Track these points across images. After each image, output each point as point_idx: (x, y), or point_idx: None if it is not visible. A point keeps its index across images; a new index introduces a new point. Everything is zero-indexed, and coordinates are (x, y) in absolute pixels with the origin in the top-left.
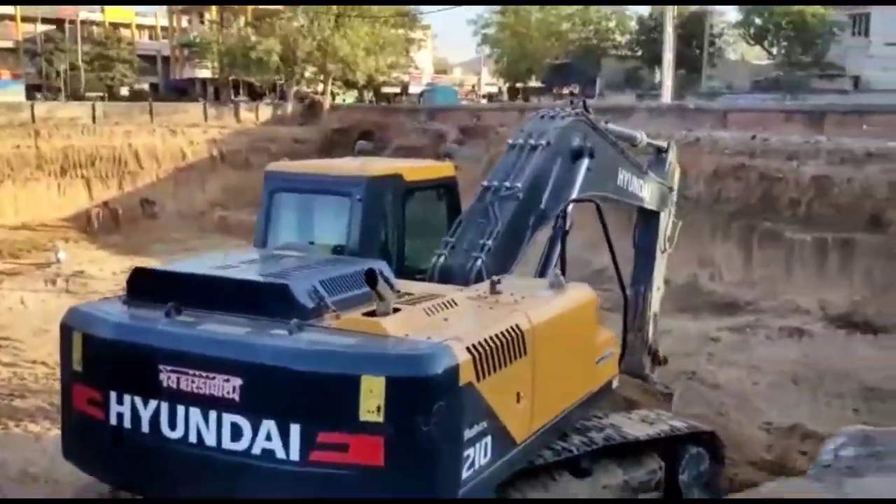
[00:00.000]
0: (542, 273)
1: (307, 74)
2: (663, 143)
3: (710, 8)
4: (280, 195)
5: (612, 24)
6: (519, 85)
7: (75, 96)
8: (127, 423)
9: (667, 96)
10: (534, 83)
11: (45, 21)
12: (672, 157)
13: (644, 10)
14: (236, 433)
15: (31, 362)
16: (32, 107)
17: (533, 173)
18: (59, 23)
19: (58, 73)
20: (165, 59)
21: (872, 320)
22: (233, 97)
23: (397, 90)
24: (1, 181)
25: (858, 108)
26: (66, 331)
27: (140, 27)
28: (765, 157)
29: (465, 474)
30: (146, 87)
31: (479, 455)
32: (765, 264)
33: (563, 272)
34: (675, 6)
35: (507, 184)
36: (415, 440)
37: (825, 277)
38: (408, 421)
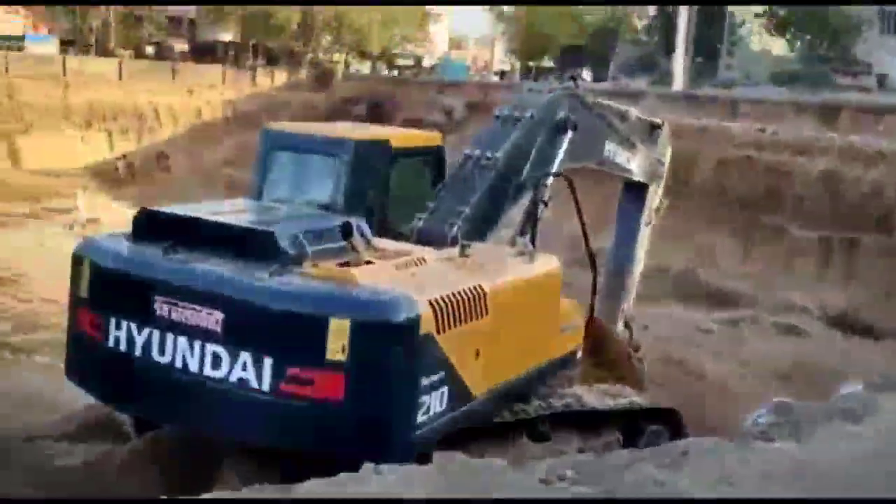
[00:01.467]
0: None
1: (323, 43)
2: (657, 120)
3: None
4: (275, 152)
5: (629, 8)
6: (531, 64)
7: (104, 52)
8: (122, 347)
9: (678, 83)
10: (547, 63)
11: None
12: (665, 133)
13: None
14: (216, 362)
15: (44, 300)
16: (64, 60)
17: (514, 144)
18: None
19: (90, 30)
20: (192, 21)
21: (872, 324)
22: (251, 61)
23: (410, 62)
24: (29, 129)
25: (875, 106)
26: (76, 260)
27: None
28: (773, 150)
29: (420, 419)
30: (183, 47)
31: (434, 402)
32: (764, 259)
33: (534, 242)
34: None
35: (489, 153)
36: (373, 381)
37: (826, 277)
38: (368, 362)
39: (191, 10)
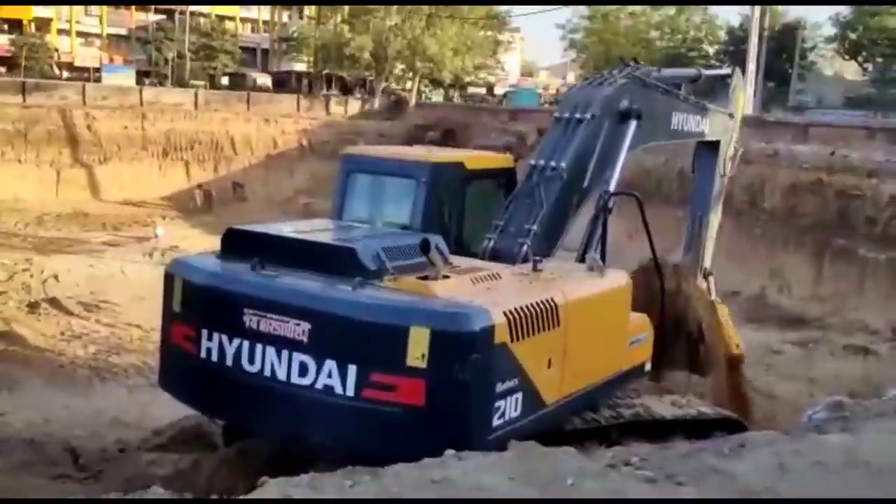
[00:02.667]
0: (583, 256)
1: (396, 72)
2: (725, 70)
3: (803, 20)
4: (354, 175)
5: (701, 34)
6: None
7: (180, 83)
8: (214, 357)
9: (748, 107)
10: None
11: (156, 11)
12: (735, 80)
13: (735, 20)
14: (303, 370)
15: (127, 325)
16: (141, 91)
17: (577, 151)
18: (169, 13)
19: (166, 61)
20: (265, 52)
21: None
22: (325, 91)
23: (483, 91)
24: (109, 159)
25: None
26: (168, 278)
27: (243, 20)
28: (843, 173)
29: (496, 422)
30: (266, 81)
31: (509, 408)
32: (835, 281)
33: (603, 258)
34: (766, 16)
35: (553, 163)
36: (452, 386)
37: None
38: (447, 369)
39: (265, 42)
